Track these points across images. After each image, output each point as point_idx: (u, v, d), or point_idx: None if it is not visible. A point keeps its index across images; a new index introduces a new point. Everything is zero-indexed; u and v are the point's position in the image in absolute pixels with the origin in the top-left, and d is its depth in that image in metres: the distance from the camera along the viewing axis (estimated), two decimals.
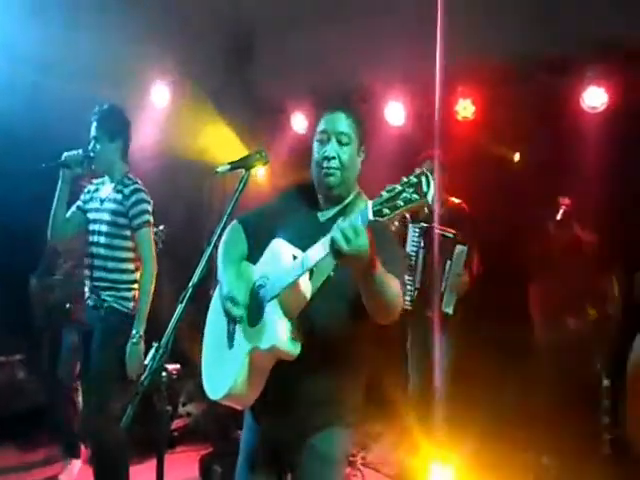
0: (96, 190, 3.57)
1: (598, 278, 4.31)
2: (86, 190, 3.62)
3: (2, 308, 5.16)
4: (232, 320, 2.09)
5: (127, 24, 4.60)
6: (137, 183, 3.49)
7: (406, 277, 4.16)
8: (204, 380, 2.20)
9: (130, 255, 3.42)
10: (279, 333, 1.91)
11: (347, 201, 2.16)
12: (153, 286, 3.37)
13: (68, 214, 3.50)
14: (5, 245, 4.50)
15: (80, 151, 3.36)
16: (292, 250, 2.00)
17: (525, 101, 4.75)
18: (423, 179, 1.57)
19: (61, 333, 4.34)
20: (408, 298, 4.13)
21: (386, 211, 1.59)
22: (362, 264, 1.69)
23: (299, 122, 5.81)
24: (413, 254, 4.15)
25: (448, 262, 4.07)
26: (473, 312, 4.17)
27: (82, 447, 4.36)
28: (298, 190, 2.30)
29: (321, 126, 2.14)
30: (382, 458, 4.39)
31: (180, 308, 2.00)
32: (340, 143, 2.10)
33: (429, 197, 1.55)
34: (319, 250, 1.81)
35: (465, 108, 5.06)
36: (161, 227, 4.18)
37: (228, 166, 2.21)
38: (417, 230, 4.14)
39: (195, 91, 5.57)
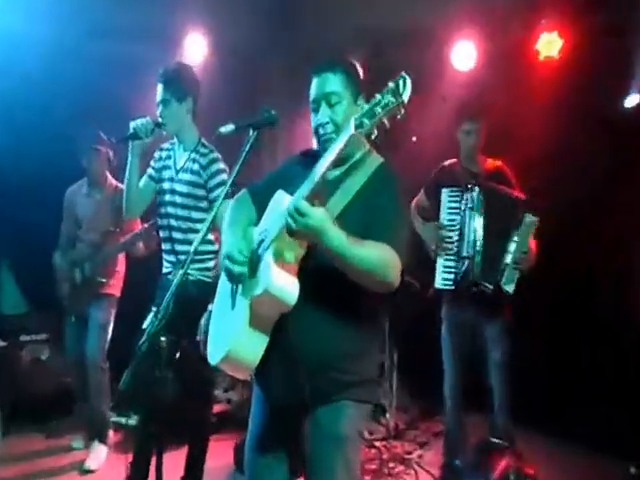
0: (168, 157, 3.97)
1: None
2: (157, 157, 4.01)
3: (25, 286, 5.90)
4: (233, 279, 2.42)
5: None
6: (213, 151, 3.87)
7: (445, 254, 4.26)
8: (208, 347, 2.55)
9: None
10: (271, 277, 2.19)
11: (354, 159, 2.46)
12: None
13: (141, 185, 3.93)
14: (25, 220, 5.10)
15: (148, 118, 3.72)
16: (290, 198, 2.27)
17: (625, 34, 4.76)
18: (400, 82, 1.95)
19: (89, 309, 4.85)
20: (451, 275, 4.23)
21: (366, 122, 2.00)
22: (315, 239, 2.12)
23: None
24: (452, 222, 4.25)
25: (514, 232, 4.15)
26: (535, 293, 4.31)
27: (111, 433, 4.93)
28: (304, 154, 2.67)
29: (311, 95, 2.49)
30: (439, 460, 4.61)
31: (180, 273, 2.40)
32: (330, 104, 2.43)
33: (404, 97, 1.93)
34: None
35: (549, 44, 5.07)
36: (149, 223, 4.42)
37: (232, 126, 2.56)
38: (455, 192, 4.24)
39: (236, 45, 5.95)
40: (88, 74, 5.17)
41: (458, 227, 4.23)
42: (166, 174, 3.90)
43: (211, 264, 3.86)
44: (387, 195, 2.34)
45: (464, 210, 4.21)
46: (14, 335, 5.47)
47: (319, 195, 2.17)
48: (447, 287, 4.26)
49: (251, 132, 2.55)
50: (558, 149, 4.84)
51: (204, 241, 3.69)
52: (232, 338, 2.35)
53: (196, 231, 3.76)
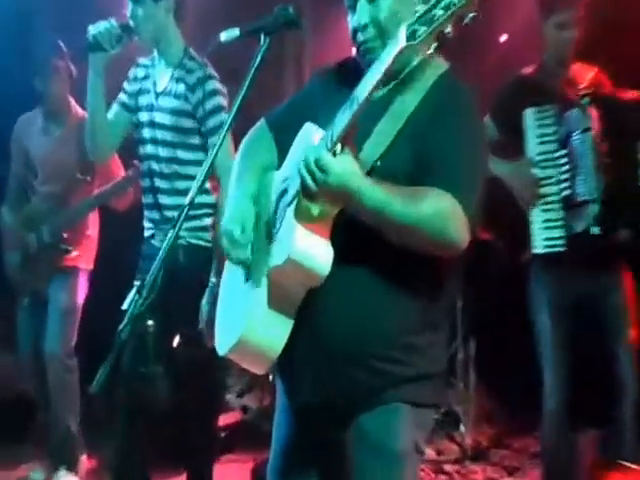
0: (145, 77, 4.02)
1: None
2: (131, 76, 4.08)
3: None
4: (236, 264, 2.52)
5: None
6: (205, 66, 3.91)
7: (545, 204, 4.17)
8: (216, 335, 2.64)
9: None
10: (296, 240, 2.22)
11: (408, 69, 2.43)
12: None
13: (110, 115, 3.98)
14: None
15: (113, 22, 3.74)
16: (321, 133, 2.27)
17: None
18: None
19: (49, 288, 4.94)
20: (557, 232, 4.10)
21: (421, 30, 1.96)
22: (342, 200, 2.15)
23: None
24: (549, 156, 4.17)
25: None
26: None
27: (84, 457, 5.03)
28: (340, 68, 2.66)
29: None
30: None
31: (170, 236, 2.46)
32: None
33: None
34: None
35: None
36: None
37: (237, 31, 2.58)
38: (548, 113, 4.13)
39: None
40: None
41: (564, 161, 4.13)
42: (143, 100, 3.96)
43: (207, 222, 3.90)
44: (450, 117, 2.31)
45: (568, 136, 4.10)
46: None
47: (350, 138, 2.16)
48: (556, 249, 4.12)
49: (262, 39, 2.54)
50: None
51: (201, 191, 3.76)
52: (246, 320, 2.41)
53: (185, 177, 3.82)
